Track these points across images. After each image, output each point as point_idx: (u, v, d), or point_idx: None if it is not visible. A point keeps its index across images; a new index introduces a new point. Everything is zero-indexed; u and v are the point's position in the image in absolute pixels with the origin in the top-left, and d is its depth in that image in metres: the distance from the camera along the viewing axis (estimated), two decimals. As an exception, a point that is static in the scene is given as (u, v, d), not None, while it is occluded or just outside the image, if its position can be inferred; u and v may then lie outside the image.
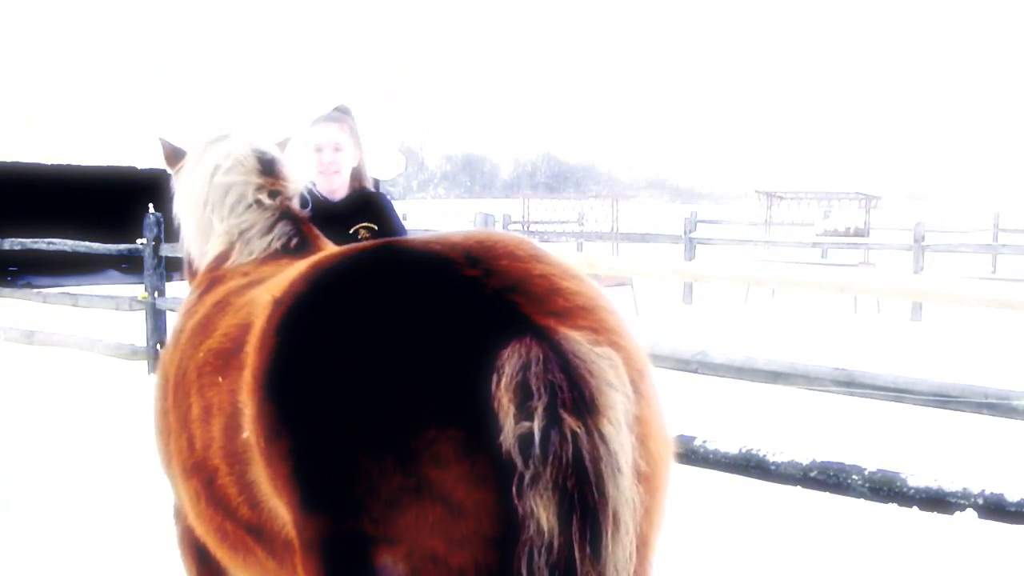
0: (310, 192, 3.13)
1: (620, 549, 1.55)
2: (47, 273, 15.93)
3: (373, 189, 3.92)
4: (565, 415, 1.52)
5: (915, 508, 4.71)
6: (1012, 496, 4.46)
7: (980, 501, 4.50)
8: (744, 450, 5.14)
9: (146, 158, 19.82)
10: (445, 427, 1.56)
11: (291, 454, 1.68)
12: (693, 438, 5.32)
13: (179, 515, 2.61)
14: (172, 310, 8.52)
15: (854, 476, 4.81)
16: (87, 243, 9.82)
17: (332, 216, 3.48)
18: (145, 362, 8.73)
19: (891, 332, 12.66)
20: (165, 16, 23.50)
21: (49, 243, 10.19)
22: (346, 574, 1.64)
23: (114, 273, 19.89)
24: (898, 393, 4.92)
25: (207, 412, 2.12)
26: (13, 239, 10.83)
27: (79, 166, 19.00)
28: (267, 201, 2.88)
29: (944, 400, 4.78)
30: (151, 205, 12.35)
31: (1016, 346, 10.95)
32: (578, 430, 1.52)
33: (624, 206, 19.03)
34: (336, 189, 3.73)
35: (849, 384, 5.05)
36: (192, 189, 3.03)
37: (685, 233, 17.13)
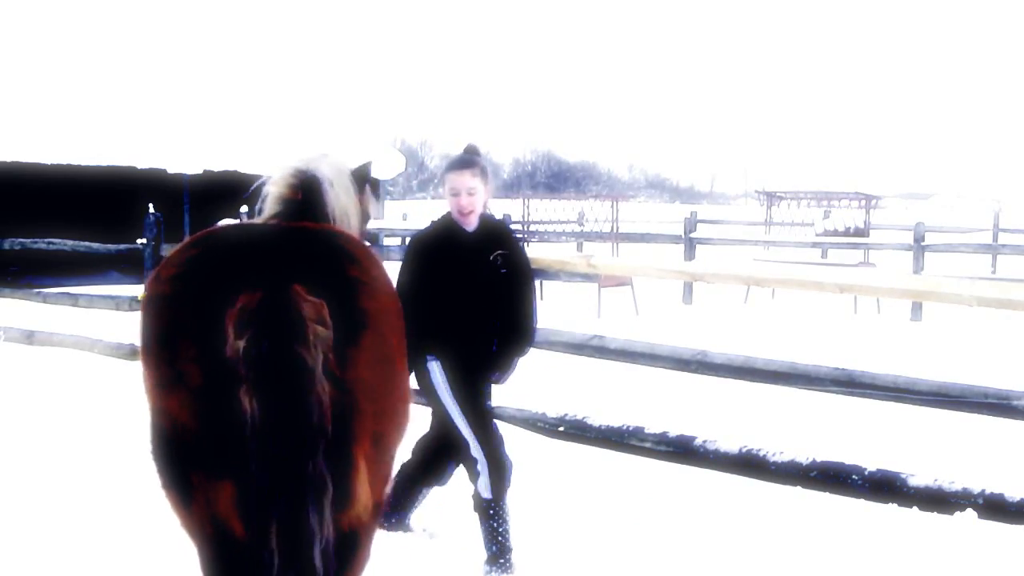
0: (450, 222, 4.35)
1: (310, 419, 2.34)
2: (47, 273, 15.95)
3: (492, 217, 4.61)
4: (266, 335, 2.34)
5: (915, 508, 4.71)
6: (1012, 496, 4.46)
7: (980, 501, 4.50)
8: (744, 450, 5.14)
9: (146, 158, 19.82)
10: (191, 339, 2.47)
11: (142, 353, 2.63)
12: (693, 438, 5.33)
13: None
14: (172, 310, 8.49)
15: (854, 476, 4.81)
16: (87, 243, 9.82)
17: (469, 244, 4.33)
18: (145, 362, 8.71)
19: (891, 332, 12.66)
20: (165, 16, 23.49)
21: (49, 243, 10.19)
22: (156, 437, 2.55)
23: (114, 273, 19.88)
24: (898, 393, 4.92)
25: None
26: (13, 239, 10.82)
27: (79, 166, 18.99)
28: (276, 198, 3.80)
29: (944, 400, 4.78)
30: (151, 205, 12.35)
31: (1016, 346, 10.95)
32: (272, 343, 2.34)
33: (624, 206, 19.02)
34: (470, 223, 4.39)
35: (849, 384, 5.05)
36: None
37: (685, 233, 17.13)
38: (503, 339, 4.42)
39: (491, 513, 4.22)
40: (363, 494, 2.59)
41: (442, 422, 4.37)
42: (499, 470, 4.23)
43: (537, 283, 18.62)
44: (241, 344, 2.34)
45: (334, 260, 2.66)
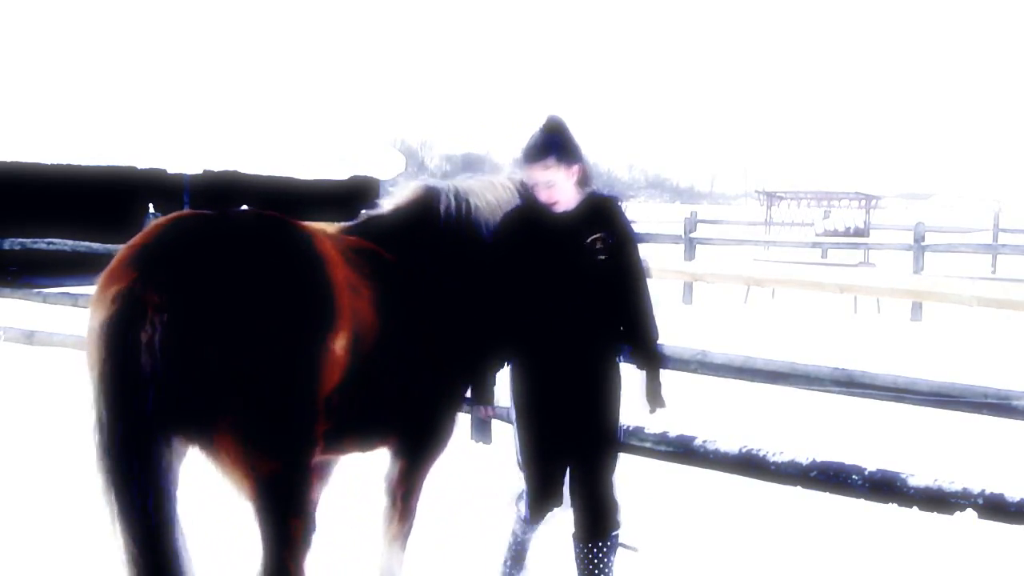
0: (536, 205, 3.77)
1: (130, 392, 2.70)
2: (47, 273, 15.93)
3: (602, 192, 3.91)
4: (109, 317, 2.74)
5: (915, 508, 4.70)
6: (1012, 496, 4.46)
7: (980, 501, 4.50)
8: (744, 450, 5.14)
9: (146, 158, 19.82)
10: (94, 323, 2.82)
11: None
12: (693, 438, 5.32)
13: None
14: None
15: (854, 476, 4.81)
16: (87, 243, 9.81)
17: (557, 227, 3.71)
18: (145, 362, 8.70)
19: (891, 332, 12.66)
20: (165, 16, 23.49)
21: (49, 243, 10.18)
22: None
23: (114, 273, 19.84)
24: (898, 393, 4.91)
25: None
26: (13, 239, 10.82)
27: (79, 166, 18.97)
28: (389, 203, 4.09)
29: (944, 400, 4.78)
30: (151, 205, 12.32)
31: (1016, 346, 10.95)
32: (108, 323, 2.74)
33: (624, 206, 18.97)
34: (559, 208, 3.77)
35: (849, 384, 5.04)
36: None
37: (685, 233, 17.11)
38: (636, 362, 3.82)
39: (520, 530, 4.00)
40: (234, 473, 2.91)
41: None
42: (538, 501, 3.84)
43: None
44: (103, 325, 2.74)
45: (209, 256, 2.87)
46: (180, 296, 2.76)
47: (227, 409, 2.83)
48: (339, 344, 3.06)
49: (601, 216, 3.75)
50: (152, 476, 2.74)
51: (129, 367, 2.69)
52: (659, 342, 3.83)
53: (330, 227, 3.82)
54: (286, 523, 2.97)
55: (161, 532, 2.75)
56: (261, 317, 2.85)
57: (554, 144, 3.68)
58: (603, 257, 3.67)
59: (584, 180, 3.78)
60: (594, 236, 3.68)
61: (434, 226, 3.92)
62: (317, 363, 2.98)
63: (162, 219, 3.12)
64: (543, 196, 3.71)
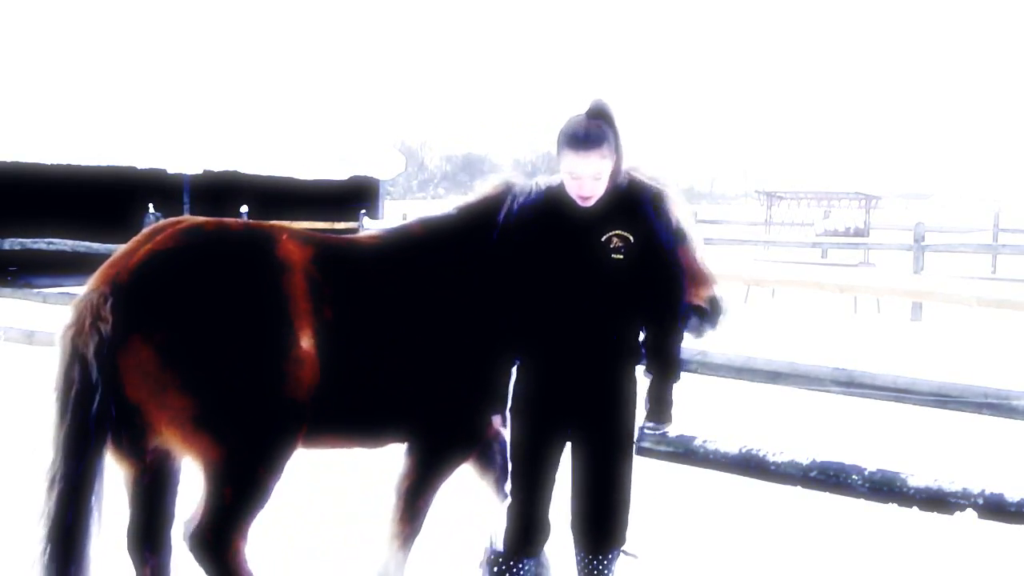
0: (559, 192, 3.45)
1: (69, 387, 3.00)
2: (47, 273, 15.93)
3: (628, 183, 3.49)
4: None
5: (915, 508, 4.70)
6: (1012, 496, 4.45)
7: (980, 501, 4.50)
8: (744, 450, 5.14)
9: (146, 158, 19.82)
10: None
11: None
12: (693, 438, 5.32)
13: None
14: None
15: (854, 476, 4.81)
16: (87, 243, 9.81)
17: (577, 220, 3.38)
18: (145, 362, 8.69)
19: (891, 332, 12.66)
20: (165, 16, 23.48)
21: (49, 243, 10.18)
22: None
23: (114, 273, 19.81)
24: (898, 393, 4.92)
25: None
26: (13, 239, 10.81)
27: (79, 166, 18.97)
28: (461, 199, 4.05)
29: (944, 400, 4.78)
30: (151, 205, 12.33)
31: (1016, 346, 10.94)
32: (65, 327, 3.07)
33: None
34: (588, 202, 3.42)
35: (849, 384, 5.04)
36: None
37: (685, 233, 17.08)
38: (648, 365, 3.54)
39: (496, 570, 3.50)
40: (188, 457, 3.19)
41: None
42: (517, 530, 3.44)
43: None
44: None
45: (148, 268, 3.09)
46: (120, 305, 3.00)
47: (168, 407, 3.04)
48: (305, 343, 3.19)
49: (625, 210, 3.39)
50: (77, 479, 3.07)
51: (75, 374, 2.98)
52: (679, 352, 3.56)
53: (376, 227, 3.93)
54: (221, 492, 3.17)
55: (68, 534, 3.17)
56: (198, 324, 3.07)
57: (606, 132, 3.31)
58: (619, 256, 3.32)
59: (617, 172, 3.43)
60: (610, 233, 3.33)
61: (488, 225, 3.68)
62: (267, 362, 3.13)
63: (146, 229, 3.34)
64: (588, 189, 3.33)
